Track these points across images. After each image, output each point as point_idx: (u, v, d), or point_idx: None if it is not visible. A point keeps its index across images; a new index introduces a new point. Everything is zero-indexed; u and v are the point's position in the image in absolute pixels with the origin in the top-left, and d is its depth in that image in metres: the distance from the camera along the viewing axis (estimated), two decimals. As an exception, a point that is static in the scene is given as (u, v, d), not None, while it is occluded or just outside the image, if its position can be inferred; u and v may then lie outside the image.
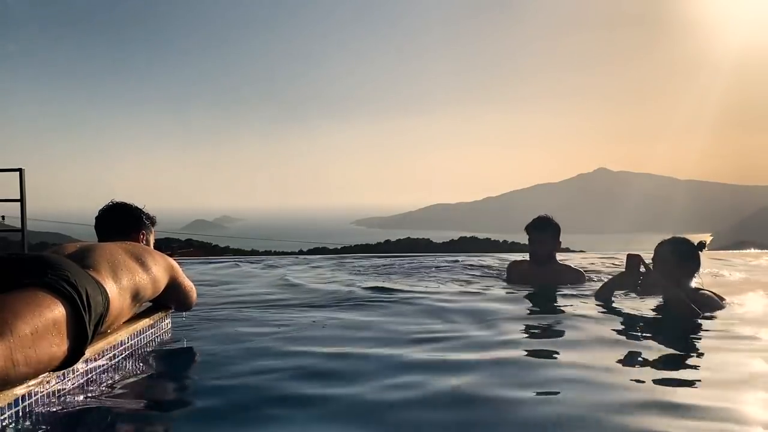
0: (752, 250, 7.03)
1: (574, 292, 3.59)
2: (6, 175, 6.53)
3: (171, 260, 2.49)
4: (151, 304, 2.48)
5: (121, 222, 2.62)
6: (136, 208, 2.70)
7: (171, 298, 2.55)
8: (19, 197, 6.49)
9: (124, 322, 2.18)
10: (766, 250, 6.79)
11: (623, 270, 3.05)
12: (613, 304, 3.10)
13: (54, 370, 1.64)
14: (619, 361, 2.12)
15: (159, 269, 2.33)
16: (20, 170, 6.42)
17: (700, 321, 2.71)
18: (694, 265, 2.99)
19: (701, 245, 3.03)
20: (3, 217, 7.02)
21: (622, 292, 3.25)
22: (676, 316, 2.80)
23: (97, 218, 2.63)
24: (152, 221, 2.75)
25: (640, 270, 2.94)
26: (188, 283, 2.59)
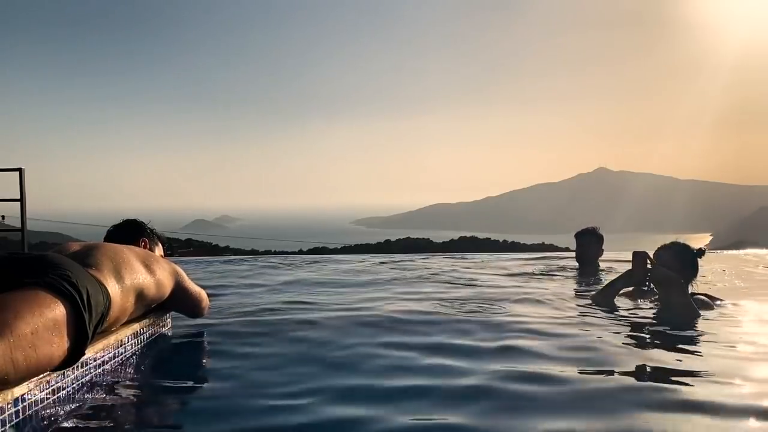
0: (752, 250, 7.02)
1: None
2: (6, 175, 6.55)
3: (176, 266, 2.49)
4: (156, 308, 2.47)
5: (124, 233, 2.67)
6: (141, 221, 2.78)
7: (179, 305, 2.55)
8: (19, 197, 6.51)
9: (125, 323, 2.17)
10: (765, 250, 6.78)
11: (629, 268, 3.08)
12: (617, 302, 3.13)
13: (54, 370, 1.63)
14: (618, 361, 2.13)
15: (163, 273, 2.33)
16: (20, 170, 6.43)
17: (698, 322, 2.74)
18: (693, 272, 3.06)
19: (700, 252, 3.07)
20: (3, 217, 7.03)
21: (629, 289, 3.26)
22: (675, 316, 2.81)
23: (104, 237, 2.69)
24: (158, 236, 2.80)
25: (647, 267, 2.97)
26: (197, 290, 2.58)
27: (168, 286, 2.37)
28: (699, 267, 3.12)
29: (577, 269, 4.83)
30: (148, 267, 2.25)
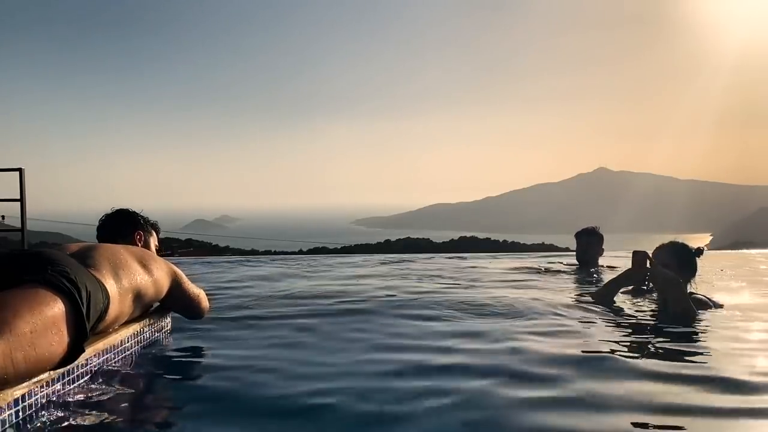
0: (751, 251, 7.03)
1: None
2: (6, 175, 6.55)
3: (173, 266, 2.48)
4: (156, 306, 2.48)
5: (117, 224, 2.65)
6: (134, 211, 2.74)
7: (178, 305, 2.54)
8: (19, 197, 6.51)
9: (124, 323, 2.17)
10: (765, 250, 6.79)
11: (629, 267, 3.08)
12: (616, 301, 3.14)
13: (53, 368, 1.62)
14: (615, 361, 2.14)
15: (161, 272, 2.32)
16: (20, 170, 6.44)
17: (695, 322, 2.75)
18: (691, 271, 3.07)
19: (699, 251, 3.09)
20: (3, 217, 7.05)
21: (629, 288, 3.27)
22: (672, 316, 2.81)
23: (98, 227, 2.66)
24: (152, 225, 2.77)
25: (646, 267, 2.97)
26: (195, 290, 2.56)
27: (165, 286, 2.36)
28: (698, 267, 3.13)
29: (577, 268, 4.86)
30: (146, 267, 2.23)
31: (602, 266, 4.82)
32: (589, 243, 4.88)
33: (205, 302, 2.63)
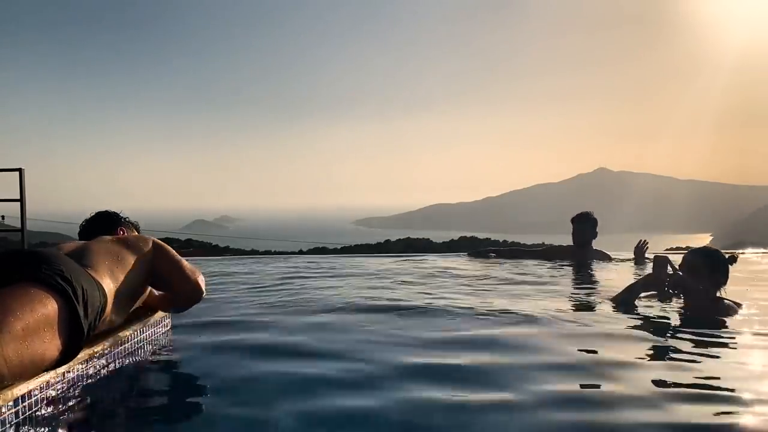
0: (752, 251, 7.01)
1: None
2: (6, 175, 6.55)
3: (158, 241, 2.35)
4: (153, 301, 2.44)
5: (98, 225, 2.59)
6: (113, 212, 2.70)
7: (170, 282, 2.35)
8: (19, 197, 6.51)
9: (123, 323, 2.16)
10: (765, 251, 6.78)
11: (649, 272, 3.05)
12: (636, 305, 3.08)
13: (50, 368, 1.61)
14: (636, 363, 2.13)
15: (149, 250, 2.24)
16: (20, 170, 6.43)
17: (720, 327, 2.71)
18: (723, 278, 2.96)
19: (732, 259, 3.01)
20: (3, 217, 7.05)
21: (649, 293, 3.22)
22: (694, 321, 2.78)
23: (79, 232, 2.60)
24: (131, 222, 2.72)
25: (668, 272, 2.93)
26: (187, 264, 2.38)
27: (152, 259, 2.24)
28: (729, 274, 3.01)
29: (576, 270, 4.87)
30: (139, 252, 2.18)
31: (609, 264, 5.17)
32: (584, 228, 5.37)
33: (201, 281, 2.41)
